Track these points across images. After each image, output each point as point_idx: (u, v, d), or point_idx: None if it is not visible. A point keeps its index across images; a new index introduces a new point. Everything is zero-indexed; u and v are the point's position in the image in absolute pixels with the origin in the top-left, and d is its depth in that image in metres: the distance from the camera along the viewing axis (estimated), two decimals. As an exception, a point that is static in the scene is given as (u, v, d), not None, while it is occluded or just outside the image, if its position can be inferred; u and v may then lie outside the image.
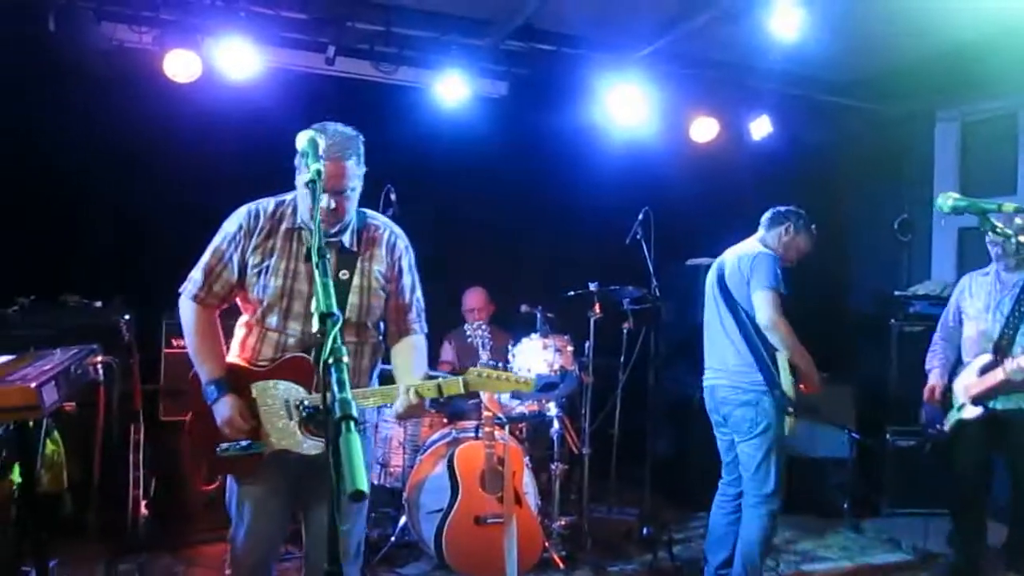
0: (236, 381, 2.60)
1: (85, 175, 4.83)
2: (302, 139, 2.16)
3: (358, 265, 2.63)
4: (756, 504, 3.76)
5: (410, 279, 2.75)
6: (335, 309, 1.64)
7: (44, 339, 3.88)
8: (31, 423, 2.90)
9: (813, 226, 3.98)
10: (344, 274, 2.60)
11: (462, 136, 5.53)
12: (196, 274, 2.66)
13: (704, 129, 6.00)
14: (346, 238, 2.63)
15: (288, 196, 2.65)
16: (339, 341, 1.55)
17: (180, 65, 4.68)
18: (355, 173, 2.51)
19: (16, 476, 2.96)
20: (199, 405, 2.63)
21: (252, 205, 2.65)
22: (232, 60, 4.73)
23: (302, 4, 4.84)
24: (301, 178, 2.36)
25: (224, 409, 2.56)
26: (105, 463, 3.95)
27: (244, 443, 2.60)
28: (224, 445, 2.59)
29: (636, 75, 5.50)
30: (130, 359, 4.35)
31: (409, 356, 2.73)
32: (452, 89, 5.36)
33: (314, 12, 4.90)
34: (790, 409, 3.66)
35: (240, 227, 2.61)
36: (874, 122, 6.30)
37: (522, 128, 5.83)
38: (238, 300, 2.72)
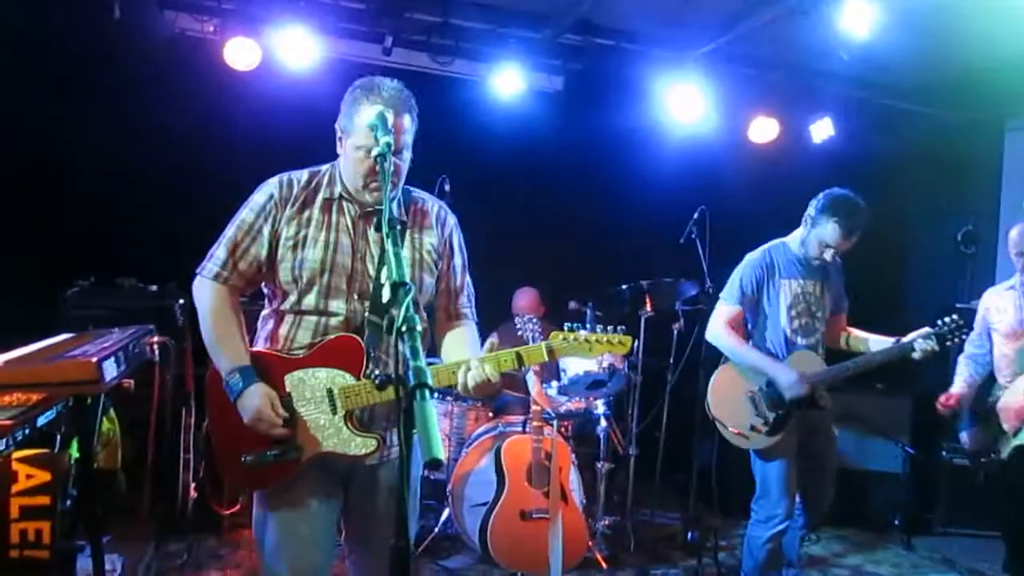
0: (264, 374, 2.23)
1: (144, 160, 4.89)
2: (370, 112, 2.05)
3: (408, 237, 2.36)
4: (752, 521, 3.76)
5: (461, 260, 2.48)
6: (408, 279, 1.58)
7: (101, 320, 3.94)
8: (89, 399, 2.95)
9: (855, 205, 3.49)
10: None
11: (515, 130, 5.51)
12: (218, 251, 2.31)
13: (764, 130, 5.88)
14: (393, 207, 2.26)
15: (324, 167, 2.39)
16: (412, 310, 1.48)
17: (240, 53, 4.74)
18: (412, 130, 2.25)
19: (74, 451, 3.01)
20: (218, 408, 2.27)
21: (283, 175, 2.36)
22: (291, 49, 4.78)
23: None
24: (352, 142, 2.20)
25: (252, 400, 2.17)
26: (157, 444, 4.02)
27: (274, 452, 2.20)
28: (250, 456, 2.20)
29: (695, 73, 5.42)
30: (183, 343, 4.42)
31: (464, 340, 2.45)
32: (508, 82, 5.34)
33: (372, 2, 4.92)
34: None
35: (271, 196, 2.30)
36: (940, 130, 6.11)
37: (576, 124, 5.79)
38: (264, 286, 2.39)
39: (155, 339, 3.55)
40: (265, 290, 2.39)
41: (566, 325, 2.38)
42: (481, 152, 5.45)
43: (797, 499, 3.73)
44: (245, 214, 2.31)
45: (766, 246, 3.74)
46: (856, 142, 6.05)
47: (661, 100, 5.53)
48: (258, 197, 2.32)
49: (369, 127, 2.06)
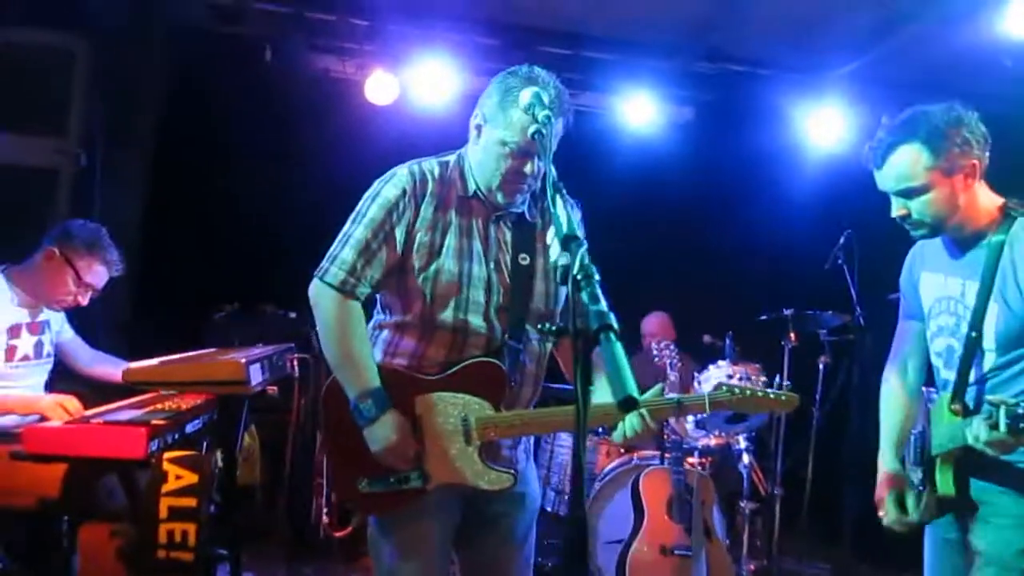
0: (392, 392, 2.03)
1: (289, 193, 5.11)
2: (527, 95, 1.90)
3: (538, 243, 2.14)
4: None
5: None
6: (578, 232, 1.47)
7: (243, 343, 4.10)
8: (234, 409, 3.01)
9: None
10: (524, 258, 2.11)
11: (645, 161, 5.41)
12: (343, 252, 2.04)
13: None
14: (524, 209, 2.14)
15: (450, 158, 2.18)
16: (587, 260, 1.39)
17: (379, 87, 4.92)
18: (559, 136, 2.06)
19: (219, 460, 3.06)
20: (337, 428, 2.09)
21: (413, 165, 2.11)
22: (428, 84, 4.92)
23: (494, 30, 4.97)
24: (498, 135, 2.02)
25: (385, 432, 1.99)
26: (293, 463, 4.06)
27: (397, 478, 2.03)
28: (367, 480, 2.04)
29: (833, 95, 5.20)
30: (318, 368, 4.50)
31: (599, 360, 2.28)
32: (638, 111, 5.27)
33: (505, 37, 5.02)
34: None
35: (404, 192, 2.05)
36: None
37: (708, 153, 5.63)
38: (384, 293, 2.15)
39: (295, 356, 3.64)
40: (379, 297, 2.17)
41: (696, 384, 2.23)
42: (610, 184, 5.36)
43: None
44: (374, 211, 2.05)
45: None
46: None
47: (798, 124, 5.33)
48: (388, 191, 2.06)
49: (526, 107, 1.90)
